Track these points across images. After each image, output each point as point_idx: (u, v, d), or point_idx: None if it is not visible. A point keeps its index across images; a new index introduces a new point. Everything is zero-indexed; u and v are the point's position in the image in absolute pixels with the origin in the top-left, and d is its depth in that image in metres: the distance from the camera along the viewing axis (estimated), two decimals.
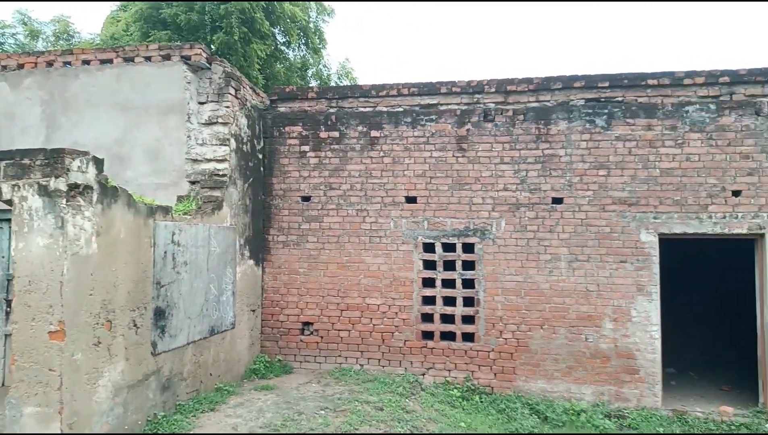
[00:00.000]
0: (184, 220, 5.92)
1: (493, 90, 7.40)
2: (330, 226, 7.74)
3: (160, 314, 5.39)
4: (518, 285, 7.26)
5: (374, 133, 7.69)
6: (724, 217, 6.85)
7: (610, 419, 6.47)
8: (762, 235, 6.81)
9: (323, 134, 7.84)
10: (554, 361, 7.07)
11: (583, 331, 7.03)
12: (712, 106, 6.95)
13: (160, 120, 6.80)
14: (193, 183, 6.74)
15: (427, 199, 7.54)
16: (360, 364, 7.55)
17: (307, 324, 7.77)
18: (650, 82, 7.03)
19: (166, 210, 5.63)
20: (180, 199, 6.55)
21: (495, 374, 7.20)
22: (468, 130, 7.47)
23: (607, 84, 7.13)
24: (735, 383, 8.14)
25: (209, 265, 6.29)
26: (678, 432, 6.28)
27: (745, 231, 6.82)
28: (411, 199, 7.59)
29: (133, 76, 6.91)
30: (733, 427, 6.37)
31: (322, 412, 5.73)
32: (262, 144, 7.96)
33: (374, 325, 7.55)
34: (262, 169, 7.93)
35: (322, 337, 7.67)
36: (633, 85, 7.09)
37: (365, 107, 7.79)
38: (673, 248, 8.03)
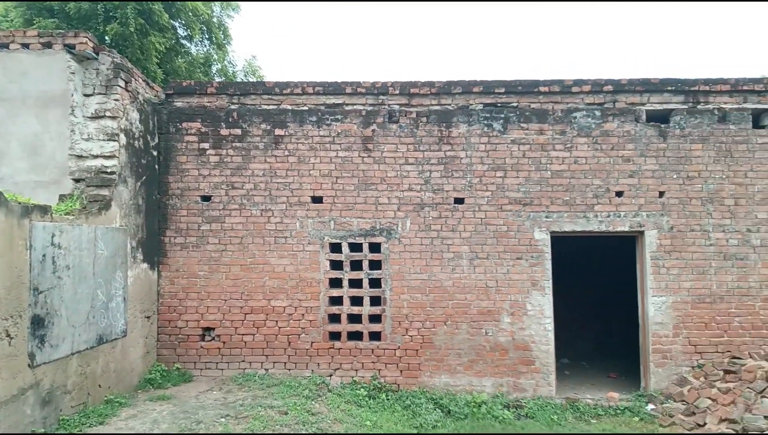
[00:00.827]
0: (66, 220, 5.45)
1: (397, 92, 7.50)
2: (232, 226, 7.47)
3: (38, 323, 4.91)
4: (423, 283, 7.40)
5: (279, 132, 7.53)
6: (609, 216, 7.39)
7: (509, 409, 6.75)
8: (642, 233, 7.42)
9: (224, 131, 7.56)
10: (457, 356, 7.27)
11: (483, 326, 7.29)
12: (597, 113, 7.49)
13: (40, 112, 6.22)
14: (77, 181, 6.23)
15: (334, 199, 7.50)
16: (265, 369, 7.34)
17: (207, 329, 7.43)
18: (542, 89, 7.45)
19: (44, 209, 5.15)
20: (62, 198, 6.03)
21: (401, 371, 7.28)
22: (373, 130, 7.52)
23: (503, 90, 7.47)
24: (622, 370, 8.79)
25: (96, 270, 5.84)
26: (570, 418, 6.67)
27: (627, 228, 7.40)
28: (317, 199, 7.51)
29: (7, 64, 6.28)
30: (618, 411, 6.87)
31: (223, 420, 5.49)
32: (156, 140, 7.53)
33: (280, 327, 7.38)
34: (157, 166, 7.50)
35: (224, 343, 7.37)
36: (527, 91, 7.48)
37: (269, 105, 7.61)
38: (564, 245, 8.53)
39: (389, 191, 7.48)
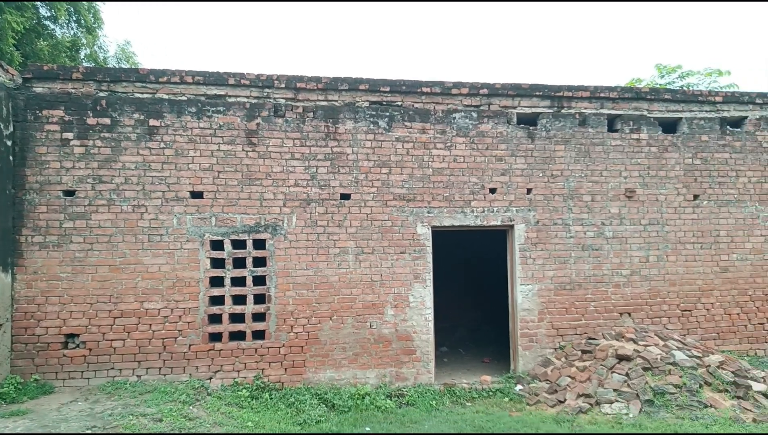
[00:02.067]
0: None
1: (283, 86, 7.37)
2: (100, 224, 6.91)
3: None
4: (309, 279, 7.37)
5: (154, 122, 7.08)
6: (484, 211, 7.87)
7: (391, 399, 6.96)
8: (512, 226, 7.99)
9: (91, 120, 6.95)
10: (342, 350, 7.36)
11: (368, 319, 7.44)
12: (474, 115, 7.92)
13: None
14: None
15: (215, 195, 7.21)
16: (137, 376, 6.90)
17: (71, 336, 6.82)
18: (424, 89, 7.72)
19: None
20: None
21: (285, 369, 7.22)
22: (258, 124, 7.34)
23: (388, 89, 7.64)
24: (495, 355, 9.43)
25: None
26: (448, 402, 7.03)
27: (499, 223, 7.92)
28: (197, 194, 7.17)
29: None
30: (490, 393, 7.36)
31: (89, 431, 5.09)
32: (12, 129, 6.75)
33: (154, 331, 6.96)
34: (11, 158, 6.73)
35: (90, 350, 6.81)
36: (410, 91, 7.72)
37: (143, 93, 7.12)
38: (444, 239, 8.96)
39: (275, 187, 7.35)
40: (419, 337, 7.56)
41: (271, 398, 6.78)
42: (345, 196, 7.53)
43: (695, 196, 8.46)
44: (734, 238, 8.55)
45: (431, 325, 7.63)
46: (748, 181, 8.62)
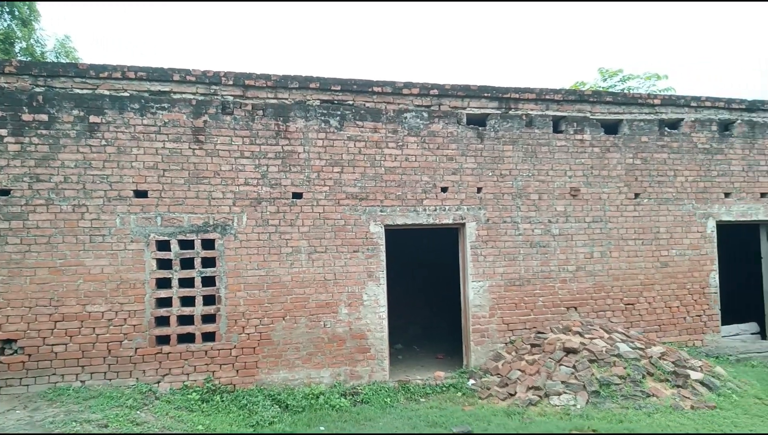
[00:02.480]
0: None
1: (231, 83, 7.24)
2: (38, 224, 6.59)
3: None
4: (261, 279, 7.26)
5: (94, 119, 6.82)
6: (435, 210, 7.96)
7: (346, 397, 6.94)
8: (463, 225, 8.12)
9: (27, 117, 6.63)
10: (296, 350, 7.28)
11: (321, 318, 7.39)
12: (425, 114, 8.01)
13: None
14: None
15: (161, 193, 7.01)
16: (81, 381, 6.61)
17: (8, 342, 6.46)
18: (376, 89, 7.75)
19: None
20: None
21: (237, 371, 7.07)
22: (205, 121, 7.18)
23: (339, 87, 7.63)
24: (449, 351, 9.54)
25: None
26: (402, 399, 7.06)
27: (450, 221, 8.04)
28: (141, 194, 6.95)
29: None
30: (444, 388, 7.44)
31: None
32: None
33: (98, 335, 6.69)
34: None
35: (29, 356, 6.48)
36: (361, 90, 7.73)
37: (83, 89, 6.85)
38: (398, 237, 9.01)
39: (224, 185, 7.20)
40: (373, 335, 7.57)
41: (223, 401, 6.63)
42: (297, 195, 7.46)
43: (636, 195, 8.83)
44: (673, 235, 8.97)
45: (385, 322, 7.66)
46: (685, 180, 9.07)
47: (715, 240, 9.15)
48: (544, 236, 8.39)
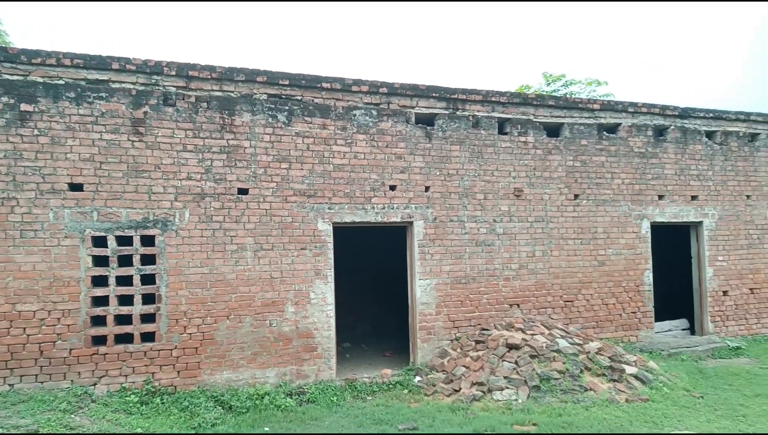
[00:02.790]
0: None
1: (173, 73, 7.00)
2: None
3: None
4: (204, 277, 7.06)
5: (26, 107, 6.43)
6: (384, 208, 7.98)
7: (292, 397, 6.85)
8: (411, 223, 8.18)
9: None
10: (240, 350, 7.12)
11: (267, 317, 7.27)
12: (374, 112, 8.02)
13: None
14: None
15: (97, 187, 6.69)
16: (9, 384, 6.23)
17: None
18: (324, 85, 7.69)
19: None
20: None
21: (179, 372, 6.85)
22: (146, 112, 6.91)
23: (287, 82, 7.51)
24: (396, 349, 9.59)
25: None
26: (349, 397, 7.04)
27: (399, 219, 8.08)
28: (76, 187, 6.62)
29: None
30: (390, 386, 7.47)
31: None
32: None
33: (29, 335, 6.32)
34: None
35: None
36: (310, 86, 7.65)
37: (13, 75, 6.44)
38: (346, 235, 8.98)
39: (165, 180, 6.96)
40: (320, 333, 7.51)
41: (163, 403, 6.40)
42: (243, 191, 7.30)
43: (576, 196, 9.16)
44: (610, 235, 9.36)
45: (333, 321, 7.61)
46: (622, 182, 9.48)
47: (650, 240, 9.62)
48: (489, 235, 8.57)
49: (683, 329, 10.20)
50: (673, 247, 11.61)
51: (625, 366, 7.33)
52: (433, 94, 8.30)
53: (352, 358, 9.27)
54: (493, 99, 8.67)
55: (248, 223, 7.28)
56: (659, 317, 9.97)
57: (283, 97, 7.56)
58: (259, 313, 7.24)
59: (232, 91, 7.33)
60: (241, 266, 7.21)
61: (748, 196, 10.46)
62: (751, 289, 10.37)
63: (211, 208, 7.14)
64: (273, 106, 7.48)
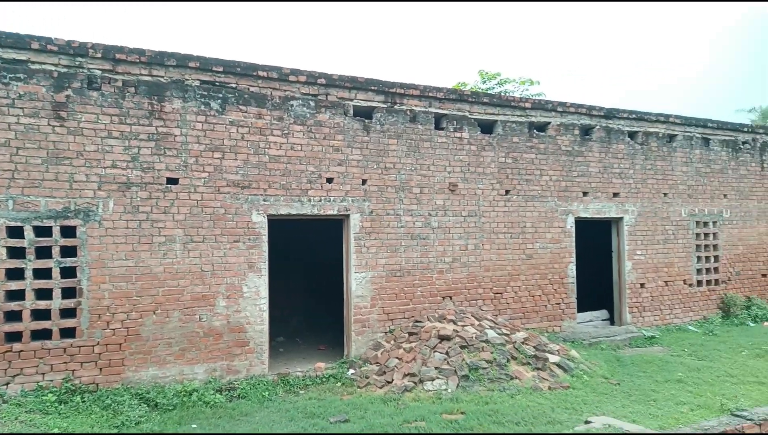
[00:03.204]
0: None
1: (99, 55, 6.63)
2: None
3: None
4: (129, 270, 6.77)
5: None
6: (320, 201, 7.93)
7: (222, 393, 6.72)
8: (348, 216, 8.18)
9: None
10: (167, 346, 6.90)
11: (197, 312, 7.08)
12: (312, 103, 7.93)
13: None
14: None
15: (13, 174, 6.27)
16: None
17: None
18: (261, 73, 7.52)
19: None
20: None
21: (101, 369, 6.56)
22: (68, 96, 6.52)
23: (221, 69, 7.29)
24: (331, 342, 9.59)
25: None
26: (281, 392, 6.99)
27: (335, 212, 8.06)
28: None
29: None
30: (324, 379, 7.48)
31: None
32: None
33: None
34: None
35: None
36: (246, 74, 7.46)
37: None
38: (282, 227, 8.85)
39: (88, 167, 6.60)
40: (253, 328, 7.39)
41: (84, 401, 6.12)
42: (172, 181, 7.05)
43: (507, 192, 9.47)
44: (537, 229, 9.75)
45: (266, 315, 7.51)
46: (550, 179, 9.88)
47: (574, 235, 10.10)
48: (425, 229, 8.71)
49: (604, 320, 10.81)
50: (595, 241, 12.24)
51: (548, 355, 7.68)
52: (372, 88, 8.31)
53: (286, 352, 9.20)
54: (431, 94, 8.79)
55: (178, 215, 7.04)
56: (581, 308, 10.50)
57: (217, 84, 7.33)
58: (188, 308, 7.03)
59: (163, 77, 7.03)
60: (170, 259, 6.97)
61: (665, 194, 11.18)
62: (665, 281, 11.12)
63: (138, 198, 6.85)
64: (206, 93, 7.25)
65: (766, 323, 11.17)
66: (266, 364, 7.48)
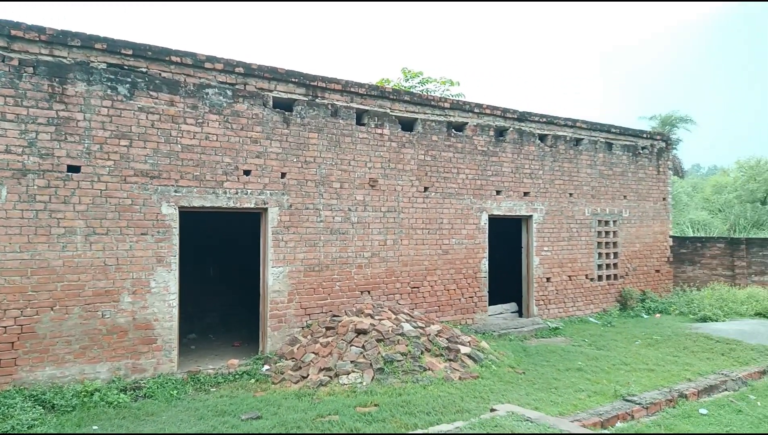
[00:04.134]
0: None
1: None
2: None
3: None
4: (24, 263, 6.28)
5: None
6: (237, 193, 7.73)
7: (126, 393, 6.40)
8: (266, 209, 8.03)
9: None
10: (66, 344, 6.47)
11: (99, 308, 6.68)
12: (229, 93, 7.70)
13: None
14: None
15: None
16: None
17: None
18: (174, 58, 7.20)
19: None
20: None
21: None
22: None
23: (130, 52, 6.90)
24: (247, 338, 9.39)
25: None
26: (191, 390, 6.76)
27: (253, 205, 7.89)
28: None
29: None
30: (237, 376, 7.31)
31: None
32: None
33: None
34: None
35: None
36: (157, 58, 7.11)
37: None
38: (196, 220, 8.55)
39: None
40: (161, 324, 7.09)
41: None
42: (74, 169, 6.60)
43: (426, 188, 9.69)
44: (454, 226, 10.05)
45: (176, 311, 7.22)
46: (466, 177, 10.21)
47: (487, 231, 10.51)
48: (344, 224, 8.73)
49: (513, 312, 11.34)
50: (506, 238, 12.80)
51: (460, 346, 7.96)
52: (293, 79, 8.20)
53: (198, 349, 8.90)
54: (353, 90, 8.80)
55: (79, 205, 6.61)
56: (493, 301, 10.95)
57: (126, 67, 6.94)
58: (89, 304, 6.62)
59: (65, 57, 6.56)
60: (70, 252, 6.53)
61: (570, 194, 11.88)
62: (569, 276, 11.83)
63: (35, 187, 6.35)
64: (113, 76, 6.84)
65: (657, 315, 12.18)
66: (175, 362, 7.20)
